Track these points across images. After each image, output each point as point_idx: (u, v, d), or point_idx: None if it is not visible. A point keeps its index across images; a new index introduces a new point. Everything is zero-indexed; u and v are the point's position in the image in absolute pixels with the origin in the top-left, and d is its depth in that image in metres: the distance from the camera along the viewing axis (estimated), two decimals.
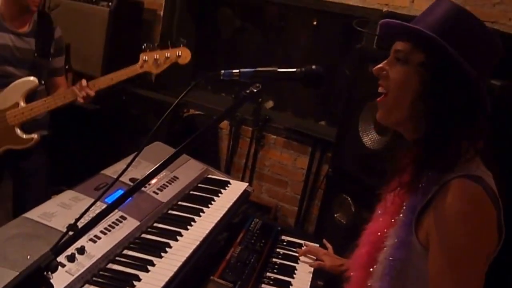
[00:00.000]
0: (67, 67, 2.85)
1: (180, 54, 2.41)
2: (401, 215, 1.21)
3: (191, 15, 3.99)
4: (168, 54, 2.40)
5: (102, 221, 1.46)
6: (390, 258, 1.18)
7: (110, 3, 3.40)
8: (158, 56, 2.39)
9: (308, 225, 3.42)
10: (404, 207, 1.21)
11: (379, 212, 1.34)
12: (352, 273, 1.35)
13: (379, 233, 1.26)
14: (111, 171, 1.87)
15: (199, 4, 4.03)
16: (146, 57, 2.40)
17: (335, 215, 2.64)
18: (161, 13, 3.84)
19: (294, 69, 1.30)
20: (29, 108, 2.44)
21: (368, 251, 1.29)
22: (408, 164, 1.21)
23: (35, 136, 2.48)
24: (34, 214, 1.48)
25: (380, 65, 1.23)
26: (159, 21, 3.86)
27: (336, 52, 3.56)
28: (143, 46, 2.42)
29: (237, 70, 1.33)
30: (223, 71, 1.36)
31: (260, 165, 3.59)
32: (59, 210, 1.52)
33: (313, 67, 1.27)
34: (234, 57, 4.04)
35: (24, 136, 2.47)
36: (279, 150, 3.53)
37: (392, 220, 1.23)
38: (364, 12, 3.01)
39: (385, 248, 1.20)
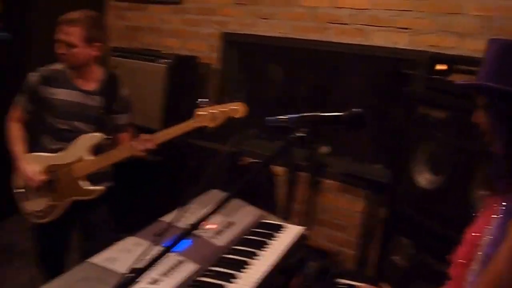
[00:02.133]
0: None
1: (235, 108, 2.48)
2: (497, 216, 1.31)
3: (243, 67, 4.14)
4: (224, 109, 2.48)
5: (162, 264, 1.55)
6: (485, 255, 1.28)
7: (167, 60, 3.58)
8: (214, 110, 2.48)
9: (367, 268, 3.37)
10: (501, 209, 1.31)
11: (479, 215, 1.44)
12: (453, 270, 1.44)
13: (476, 233, 1.36)
14: (169, 218, 1.96)
15: (251, 57, 4.18)
16: (203, 112, 2.49)
17: (394, 258, 2.62)
18: (216, 66, 4.01)
19: (337, 113, 1.35)
20: (93, 161, 2.60)
21: (466, 249, 1.38)
22: (502, 172, 1.33)
23: (98, 188, 2.63)
24: (98, 259, 1.58)
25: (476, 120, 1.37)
26: (214, 74, 4.02)
27: (387, 95, 3.59)
28: (197, 101, 2.53)
29: (285, 116, 1.40)
30: (271, 118, 1.43)
31: (316, 210, 3.61)
32: (121, 255, 1.61)
33: (355, 110, 1.33)
34: (286, 105, 4.14)
35: (90, 187, 2.62)
36: (335, 194, 3.55)
37: (489, 221, 1.33)
38: (412, 55, 3.05)
39: (480, 247, 1.31)
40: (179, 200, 2.94)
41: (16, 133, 2.75)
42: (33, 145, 2.76)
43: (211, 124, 2.52)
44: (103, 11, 4.60)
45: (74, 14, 2.54)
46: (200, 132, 3.85)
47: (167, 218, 1.97)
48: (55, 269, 3.00)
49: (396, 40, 3.25)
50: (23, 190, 2.74)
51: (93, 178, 2.64)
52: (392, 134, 3.25)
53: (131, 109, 2.84)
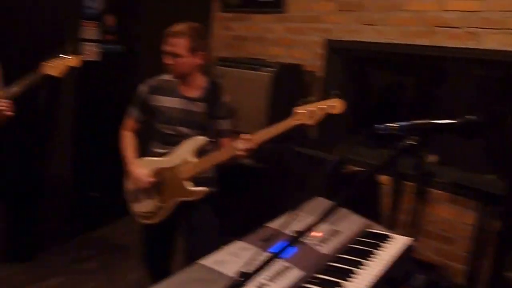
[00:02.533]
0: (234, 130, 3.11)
1: (333, 104, 2.48)
2: None
3: (347, 74, 4.11)
4: (322, 106, 2.49)
5: (269, 269, 1.58)
6: None
7: (272, 69, 3.64)
8: (312, 108, 2.50)
9: (477, 285, 3.20)
10: None
11: None
12: None
13: None
14: (275, 224, 1.99)
15: (355, 64, 4.14)
16: (301, 110, 2.52)
17: (508, 274, 2.47)
18: (320, 74, 4.01)
19: (451, 121, 1.31)
20: (197, 163, 2.71)
21: None
22: None
23: (203, 189, 2.74)
24: (207, 261, 1.64)
25: None
26: (318, 82, 4.03)
27: (501, 101, 3.40)
28: (298, 102, 2.55)
29: (395, 124, 1.37)
30: (380, 125, 1.42)
31: (423, 221, 3.49)
32: (229, 258, 1.66)
33: (469, 117, 1.28)
34: (390, 113, 4.05)
35: (193, 188, 2.73)
36: (443, 205, 3.41)
37: None
38: None
39: None
40: (283, 207, 2.98)
41: (128, 141, 2.95)
42: (143, 151, 2.94)
43: (309, 122, 2.54)
44: (209, 22, 4.78)
45: (179, 27, 2.69)
46: (303, 139, 3.90)
47: (273, 224, 2.00)
48: (161, 270, 3.17)
49: (510, 43, 3.08)
50: (133, 192, 2.91)
51: (198, 183, 2.75)
52: (507, 143, 3.07)
53: (233, 116, 2.94)
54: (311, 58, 4.08)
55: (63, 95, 4.09)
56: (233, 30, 4.66)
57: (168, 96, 2.79)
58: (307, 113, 2.51)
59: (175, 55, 2.66)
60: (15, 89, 2.80)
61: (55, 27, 3.81)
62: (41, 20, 3.72)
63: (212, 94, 2.82)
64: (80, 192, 4.49)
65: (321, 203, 2.30)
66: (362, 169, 3.66)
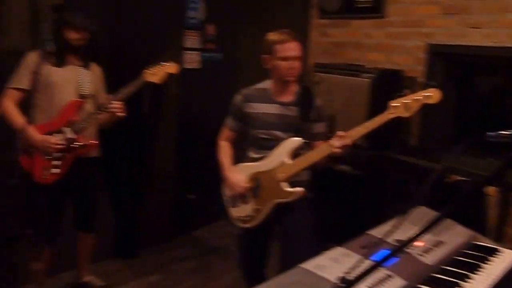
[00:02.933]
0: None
1: (429, 94, 2.43)
2: None
3: (450, 80, 3.97)
4: (417, 97, 2.46)
5: (371, 277, 1.57)
6: None
7: (371, 74, 3.60)
8: (407, 100, 2.47)
9: None
10: None
11: None
12: None
13: None
14: (377, 232, 1.97)
15: (458, 69, 3.99)
16: (396, 103, 2.50)
17: None
18: (421, 80, 3.91)
19: None
20: (293, 164, 2.75)
21: None
22: None
23: (300, 189, 2.76)
24: (308, 265, 1.66)
25: None
26: (419, 87, 3.92)
27: None
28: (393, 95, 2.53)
29: (508, 131, 1.32)
30: (490, 133, 1.36)
31: None
32: (330, 264, 1.67)
33: None
34: (496, 120, 3.85)
35: (290, 189, 2.76)
36: None
37: None
38: None
39: None
40: (380, 215, 2.95)
41: (224, 150, 3.09)
42: (240, 158, 3.04)
43: (405, 114, 2.51)
44: (307, 29, 4.81)
45: (289, 32, 2.78)
46: (403, 146, 3.82)
47: (375, 232, 1.98)
48: (257, 273, 3.23)
49: None
50: (231, 198, 3.01)
51: (294, 185, 2.79)
52: None
53: (326, 119, 2.98)
54: (411, 64, 3.98)
55: (167, 101, 4.31)
56: (331, 37, 4.66)
57: (263, 103, 2.88)
58: (402, 105, 2.50)
59: (298, 59, 2.76)
60: (122, 94, 3.05)
61: (160, 37, 4.01)
62: (148, 31, 3.94)
63: (305, 98, 2.88)
64: (180, 194, 4.70)
65: (424, 213, 2.23)
66: (466, 179, 3.51)
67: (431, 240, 1.99)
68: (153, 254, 4.32)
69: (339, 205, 3.61)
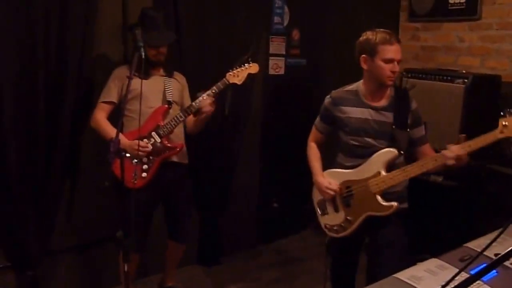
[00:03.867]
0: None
1: None
2: None
3: None
4: None
5: None
6: None
7: (465, 80, 3.49)
8: None
9: None
10: None
11: None
12: None
13: None
14: (475, 244, 1.92)
15: None
16: (506, 122, 2.36)
17: None
18: None
19: None
20: (389, 177, 2.67)
21: None
22: None
23: (394, 204, 2.68)
24: (403, 275, 1.64)
25: None
26: None
27: None
28: (501, 113, 2.40)
29: None
30: None
31: None
32: (426, 275, 1.64)
33: None
34: None
35: (384, 203, 2.70)
36: None
37: None
38: None
39: None
40: (476, 227, 2.86)
41: (313, 152, 3.04)
42: (330, 163, 2.99)
43: None
44: (396, 32, 4.73)
45: (393, 32, 2.71)
46: (500, 157, 3.65)
47: (473, 244, 1.93)
48: (347, 284, 3.19)
49: None
50: (321, 204, 2.98)
51: (388, 198, 2.72)
52: None
53: (422, 122, 2.85)
54: (509, 68, 3.82)
55: (252, 106, 4.39)
56: (421, 40, 4.56)
57: (355, 106, 2.79)
58: None
59: (399, 62, 2.67)
60: (206, 93, 3.20)
61: (245, 43, 4.10)
62: (233, 36, 4.05)
63: (401, 102, 2.77)
64: (264, 203, 4.75)
65: None
66: None
67: None
68: (236, 262, 4.38)
69: (433, 217, 3.51)
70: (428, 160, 2.60)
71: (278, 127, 4.72)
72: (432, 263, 1.75)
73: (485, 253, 1.82)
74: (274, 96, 4.63)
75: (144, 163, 3.17)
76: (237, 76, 3.21)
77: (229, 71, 3.22)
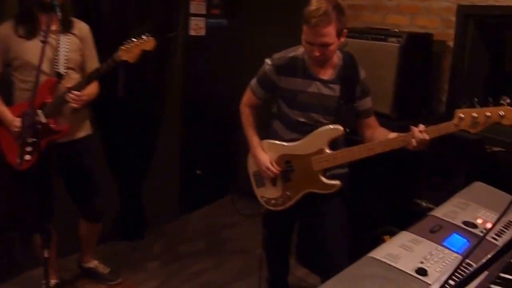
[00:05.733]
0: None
1: (503, 114, 2.16)
2: None
3: (483, 43, 3.81)
4: (489, 113, 2.19)
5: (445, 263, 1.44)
6: None
7: (399, 39, 3.42)
8: (476, 114, 2.22)
9: None
10: None
11: None
12: None
13: None
14: (441, 213, 1.85)
15: (492, 31, 3.83)
16: (463, 115, 2.25)
17: None
18: (451, 44, 3.75)
19: None
20: (333, 156, 2.56)
21: None
22: None
23: (338, 182, 2.60)
24: (379, 254, 1.52)
25: None
26: (448, 52, 3.76)
27: None
28: (460, 103, 2.30)
29: None
30: None
31: None
32: (403, 252, 1.54)
33: None
34: None
35: (327, 181, 2.60)
36: None
37: None
38: None
39: None
40: (426, 193, 2.80)
41: (250, 118, 2.85)
42: (266, 132, 2.83)
43: (472, 130, 2.28)
44: None
45: (322, 6, 2.35)
46: (432, 114, 3.66)
47: (438, 213, 1.85)
48: (280, 259, 3.12)
49: None
50: (258, 175, 2.84)
51: (330, 176, 2.64)
52: None
53: (369, 92, 2.72)
54: (439, 27, 3.80)
55: (172, 69, 4.18)
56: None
57: (301, 78, 2.59)
58: (470, 119, 2.24)
59: (326, 45, 2.42)
60: (83, 81, 2.83)
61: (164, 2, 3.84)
62: None
63: (349, 73, 2.60)
64: (187, 171, 4.60)
65: (482, 189, 2.12)
66: (503, 149, 3.38)
67: (502, 221, 1.85)
68: (159, 235, 4.25)
69: (369, 179, 3.43)
70: (379, 144, 2.46)
71: (199, 91, 4.54)
72: (404, 237, 1.65)
73: (452, 221, 1.76)
74: (195, 58, 4.41)
75: (28, 144, 2.74)
76: (130, 52, 2.74)
77: (122, 45, 2.76)
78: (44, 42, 2.55)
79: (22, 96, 2.85)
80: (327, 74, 2.58)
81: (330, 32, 2.37)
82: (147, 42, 2.75)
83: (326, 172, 2.62)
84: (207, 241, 4.20)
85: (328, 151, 2.57)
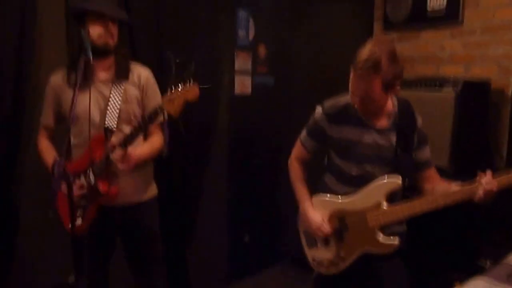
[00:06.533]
0: None
1: None
2: None
3: None
4: None
5: None
6: None
7: (455, 88, 3.25)
8: None
9: None
10: None
11: None
12: None
13: None
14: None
15: None
16: None
17: None
18: (510, 93, 3.54)
19: None
20: (391, 211, 2.34)
21: None
22: None
23: (396, 241, 2.36)
24: None
25: None
26: (507, 102, 3.56)
27: None
28: None
29: None
30: None
31: None
32: None
33: None
34: None
35: (385, 240, 2.37)
36: None
37: None
38: None
39: None
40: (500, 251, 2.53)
41: (299, 173, 2.66)
42: (315, 187, 2.64)
43: None
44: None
45: (374, 57, 2.13)
46: (492, 169, 3.41)
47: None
48: None
49: None
50: (308, 234, 2.63)
51: (388, 233, 2.40)
52: None
53: (428, 141, 2.48)
54: (498, 75, 3.62)
55: (217, 131, 4.06)
56: (398, 51, 4.33)
57: (353, 127, 2.40)
58: None
59: (367, 98, 2.22)
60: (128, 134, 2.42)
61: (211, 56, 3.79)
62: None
63: (406, 120, 2.38)
64: (235, 237, 4.43)
65: None
66: None
67: None
68: None
69: (428, 236, 3.17)
70: (448, 194, 2.22)
71: (246, 153, 4.40)
72: (479, 282, 1.41)
73: None
74: (241, 118, 4.32)
75: (79, 208, 2.49)
76: (173, 102, 2.22)
77: (165, 94, 2.26)
78: (90, 92, 2.33)
79: (76, 153, 2.56)
80: (382, 122, 2.38)
81: (375, 85, 2.16)
82: (190, 90, 2.24)
83: (383, 229, 2.39)
84: None
85: (385, 205, 2.35)
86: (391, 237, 2.36)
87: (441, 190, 2.29)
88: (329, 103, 2.49)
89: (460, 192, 2.18)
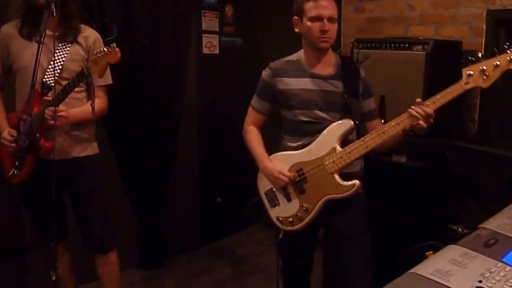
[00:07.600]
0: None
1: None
2: None
3: None
4: (497, 62, 2.08)
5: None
6: None
7: (425, 46, 3.18)
8: (484, 67, 2.10)
9: None
10: None
11: None
12: None
13: None
14: (493, 225, 1.56)
15: None
16: (471, 71, 2.13)
17: None
18: (481, 53, 3.49)
19: None
20: (347, 152, 2.34)
21: None
22: None
23: (357, 181, 2.34)
24: (424, 270, 1.24)
25: None
26: (478, 62, 3.50)
27: None
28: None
29: None
30: None
31: None
32: (454, 268, 1.25)
33: None
34: None
35: (345, 182, 2.36)
36: None
37: None
38: None
39: None
40: (449, 210, 2.53)
41: (254, 136, 2.67)
42: (274, 149, 2.62)
43: (485, 84, 2.14)
44: (339, 5, 4.41)
45: None
46: (465, 133, 3.40)
47: (490, 225, 1.57)
48: (301, 282, 2.85)
49: None
50: (270, 194, 2.59)
51: (347, 178, 2.39)
52: None
53: (372, 93, 2.57)
54: (468, 35, 3.56)
55: (186, 91, 4.01)
56: (366, 12, 4.24)
57: (299, 77, 2.47)
58: (478, 73, 2.13)
59: (333, 20, 2.36)
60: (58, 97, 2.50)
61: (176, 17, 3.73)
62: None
63: (349, 70, 2.49)
64: (206, 198, 4.42)
65: None
66: None
67: None
68: (180, 264, 4.07)
69: (395, 201, 3.17)
70: (390, 125, 2.27)
71: (216, 113, 4.36)
72: (454, 251, 1.37)
73: (509, 234, 1.48)
74: (209, 78, 4.23)
75: (16, 158, 2.57)
76: (97, 64, 2.32)
77: (93, 55, 2.38)
78: (39, 44, 2.22)
79: (19, 105, 2.65)
80: (327, 70, 2.48)
81: (334, 6, 2.39)
82: (111, 53, 2.30)
83: (343, 177, 2.39)
84: (229, 272, 4.00)
85: (339, 148, 2.37)
86: (351, 180, 2.36)
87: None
88: (274, 62, 2.58)
89: (404, 117, 2.24)
